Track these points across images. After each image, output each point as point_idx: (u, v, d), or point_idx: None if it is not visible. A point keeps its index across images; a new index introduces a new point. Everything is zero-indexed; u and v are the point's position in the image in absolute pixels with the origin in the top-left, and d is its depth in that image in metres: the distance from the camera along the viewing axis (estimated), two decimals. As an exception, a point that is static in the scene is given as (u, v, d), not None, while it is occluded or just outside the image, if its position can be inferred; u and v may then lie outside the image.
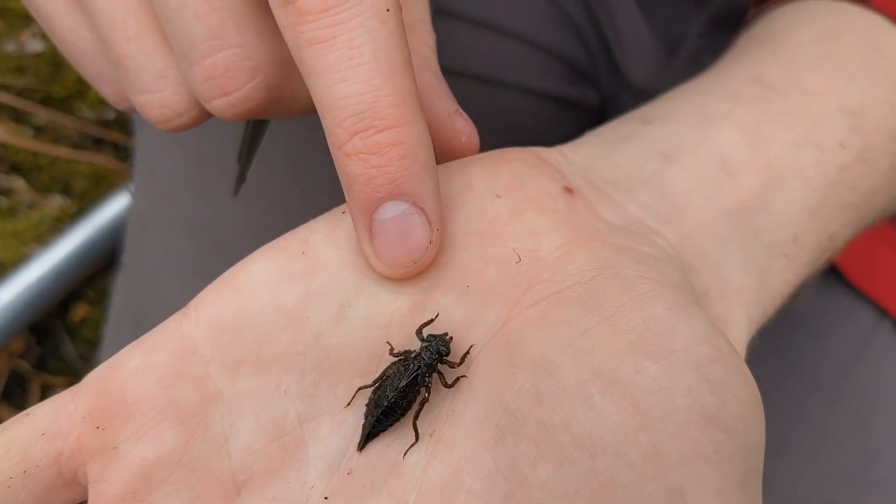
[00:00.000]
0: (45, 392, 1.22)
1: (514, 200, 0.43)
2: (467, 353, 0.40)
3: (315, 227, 0.42)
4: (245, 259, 0.42)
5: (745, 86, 0.52)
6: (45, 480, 0.38)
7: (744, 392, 0.37)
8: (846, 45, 0.56)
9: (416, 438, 0.39)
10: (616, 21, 0.80)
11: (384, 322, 0.41)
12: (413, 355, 0.40)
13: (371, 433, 0.40)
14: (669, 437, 0.35)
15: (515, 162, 0.45)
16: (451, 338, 0.41)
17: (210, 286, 0.41)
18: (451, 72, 0.71)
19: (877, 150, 0.52)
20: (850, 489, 0.70)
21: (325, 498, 0.39)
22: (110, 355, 0.73)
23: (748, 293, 0.46)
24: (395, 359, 0.41)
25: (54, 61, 1.34)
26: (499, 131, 0.72)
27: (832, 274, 0.75)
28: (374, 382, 0.40)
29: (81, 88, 1.35)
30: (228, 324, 0.40)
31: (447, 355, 0.40)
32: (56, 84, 1.34)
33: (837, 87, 0.53)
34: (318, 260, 0.41)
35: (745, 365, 0.38)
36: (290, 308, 0.40)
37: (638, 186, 0.46)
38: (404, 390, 0.40)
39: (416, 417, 0.40)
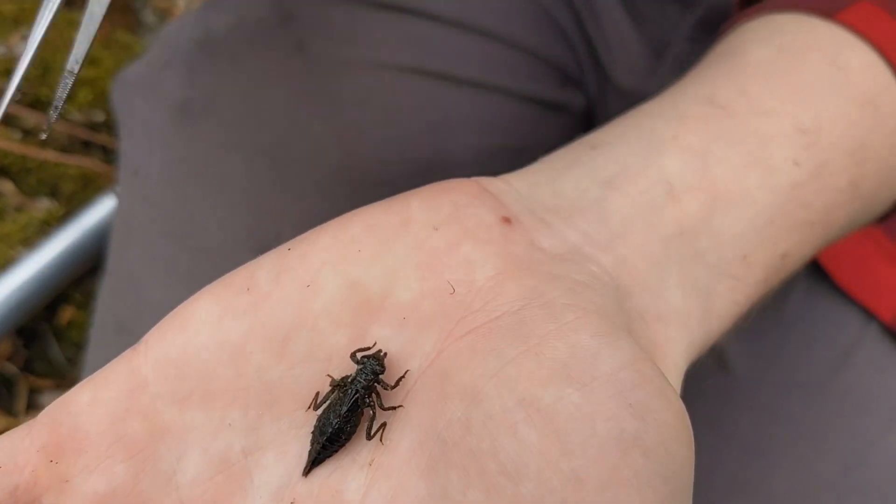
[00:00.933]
0: (33, 395, 1.22)
1: (452, 232, 0.44)
2: (402, 377, 0.41)
3: (261, 263, 0.43)
4: (193, 296, 0.43)
5: (695, 107, 0.52)
6: None
7: (666, 415, 0.37)
8: (804, 61, 0.55)
9: (383, 425, 0.41)
10: (602, 24, 0.80)
11: (324, 355, 0.42)
12: (350, 380, 0.41)
13: (317, 459, 0.41)
14: (589, 463, 0.36)
15: (455, 193, 0.46)
16: (385, 353, 0.42)
17: (159, 323, 0.42)
18: (436, 75, 0.73)
19: (833, 166, 0.52)
20: (835, 492, 0.69)
21: None
22: (95, 358, 0.74)
23: (689, 315, 0.46)
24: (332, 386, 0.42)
25: (43, 64, 1.35)
26: (484, 135, 0.74)
27: (820, 276, 0.75)
28: (317, 407, 0.41)
29: (70, 92, 1.33)
30: (175, 360, 0.41)
31: (382, 373, 0.41)
32: (45, 87, 1.35)
33: (792, 105, 0.53)
34: (260, 296, 0.42)
35: (670, 387, 0.39)
36: (233, 344, 0.41)
37: (577, 214, 0.47)
38: (347, 416, 0.41)
39: (369, 435, 0.41)
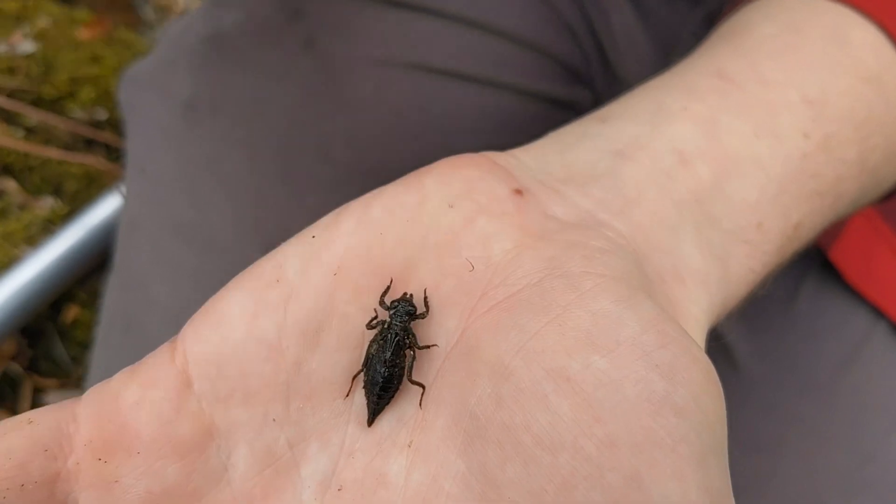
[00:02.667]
0: (37, 394, 1.22)
1: (467, 208, 0.44)
2: (426, 297, 0.43)
3: (287, 251, 0.43)
4: (222, 289, 0.43)
5: (704, 80, 0.53)
6: (37, 498, 0.38)
7: (694, 372, 0.38)
8: (810, 37, 0.56)
9: (423, 386, 0.42)
10: (610, 20, 0.80)
11: (356, 343, 0.43)
12: (386, 325, 0.42)
13: (376, 410, 0.42)
14: (622, 427, 0.36)
15: (467, 168, 0.46)
16: (412, 294, 0.43)
17: (192, 319, 0.42)
18: (444, 73, 0.73)
19: (840, 138, 0.53)
20: (844, 490, 0.70)
21: None
22: (102, 358, 0.74)
23: (708, 275, 0.47)
24: (372, 332, 0.43)
25: (45, 62, 1.35)
26: (492, 132, 0.74)
27: (829, 273, 0.75)
28: (363, 366, 0.42)
29: (73, 90, 1.36)
30: (213, 359, 0.41)
31: (415, 313, 0.43)
32: (47, 85, 1.35)
33: (798, 78, 0.53)
34: (291, 288, 0.42)
35: (695, 344, 0.39)
36: (269, 339, 0.41)
37: (590, 183, 0.47)
38: (392, 360, 0.42)
39: (409, 375, 0.42)
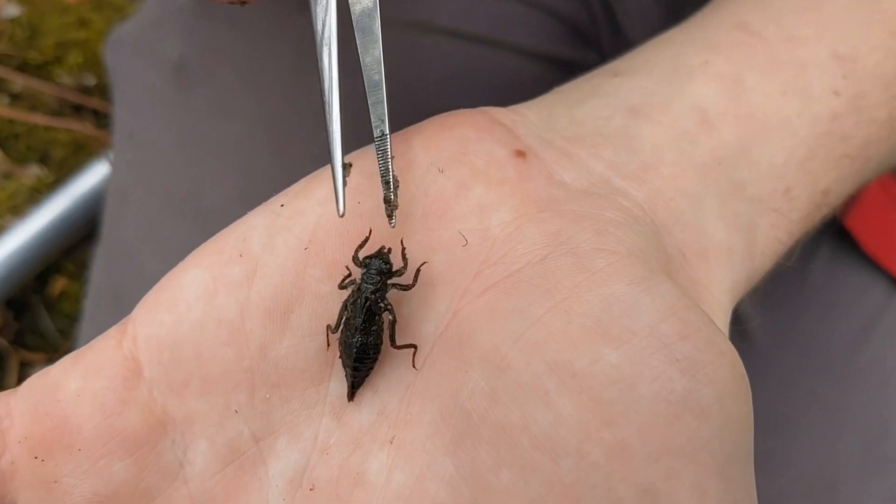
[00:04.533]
0: (24, 368, 1.21)
1: (460, 173, 0.40)
2: (418, 270, 0.38)
3: (252, 222, 0.39)
4: (179, 265, 0.39)
5: (725, 33, 0.49)
6: None
7: (719, 367, 0.34)
8: None
9: (414, 347, 0.38)
10: (618, -21, 0.77)
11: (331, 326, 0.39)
12: (356, 287, 0.38)
13: (355, 383, 0.38)
14: (635, 432, 0.32)
15: (461, 127, 0.42)
16: (389, 249, 0.39)
17: (144, 298, 0.39)
18: (448, 33, 0.70)
19: (871, 97, 0.49)
20: (860, 465, 0.68)
21: None
22: (90, 331, 0.71)
23: (732, 251, 0.43)
24: (346, 291, 0.39)
25: (31, 26, 1.33)
26: (493, 93, 0.70)
27: (843, 243, 0.73)
28: (336, 328, 0.38)
29: (60, 54, 1.34)
30: (166, 342, 0.37)
31: (390, 272, 0.38)
32: (33, 50, 1.33)
33: (827, 33, 0.49)
34: (255, 263, 0.38)
35: (721, 335, 0.35)
36: (230, 320, 0.38)
37: (603, 143, 0.43)
38: (365, 327, 0.38)
39: (393, 341, 0.38)
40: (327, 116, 0.39)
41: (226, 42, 0.70)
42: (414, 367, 0.38)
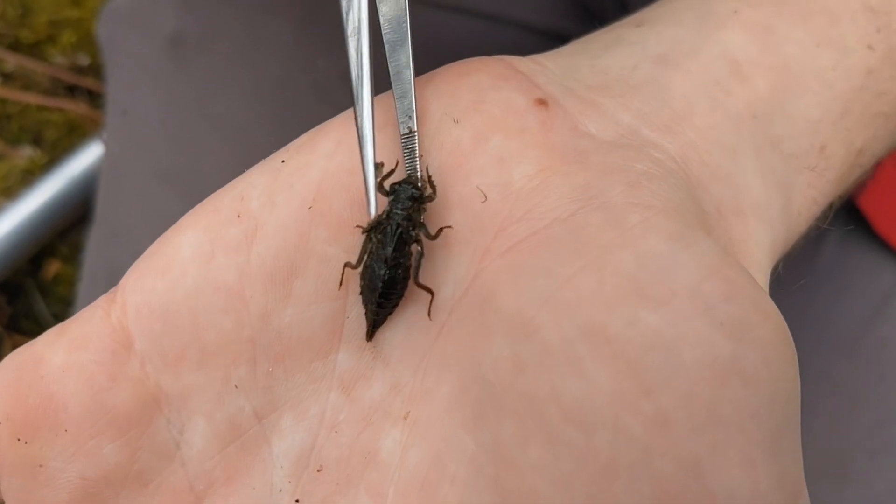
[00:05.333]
0: None
1: (476, 123, 0.37)
2: (429, 176, 0.36)
3: (251, 179, 0.37)
4: (172, 227, 0.37)
5: None
6: None
7: (766, 330, 0.32)
8: None
9: (431, 292, 0.35)
10: (624, -48, 0.75)
11: (339, 292, 0.36)
12: (385, 215, 0.36)
13: (376, 322, 0.36)
14: (677, 401, 0.30)
15: (477, 74, 0.39)
16: (418, 176, 0.36)
17: (135, 264, 0.36)
18: (452, 8, 0.68)
19: None
20: (870, 448, 0.67)
21: (296, 501, 0.35)
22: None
23: (770, 208, 0.40)
24: (366, 233, 0.36)
25: (23, 4, 1.32)
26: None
27: (854, 223, 0.71)
28: (358, 263, 0.35)
29: (53, 33, 1.33)
30: (159, 311, 0.35)
31: (422, 197, 0.36)
32: (25, 29, 1.32)
33: None
34: (255, 223, 0.35)
35: (765, 295, 0.33)
36: (229, 286, 0.35)
37: (630, 92, 0.40)
38: (395, 258, 0.35)
39: (416, 277, 0.35)
40: (357, 115, 0.36)
41: (223, 15, 0.69)
42: (429, 317, 0.35)
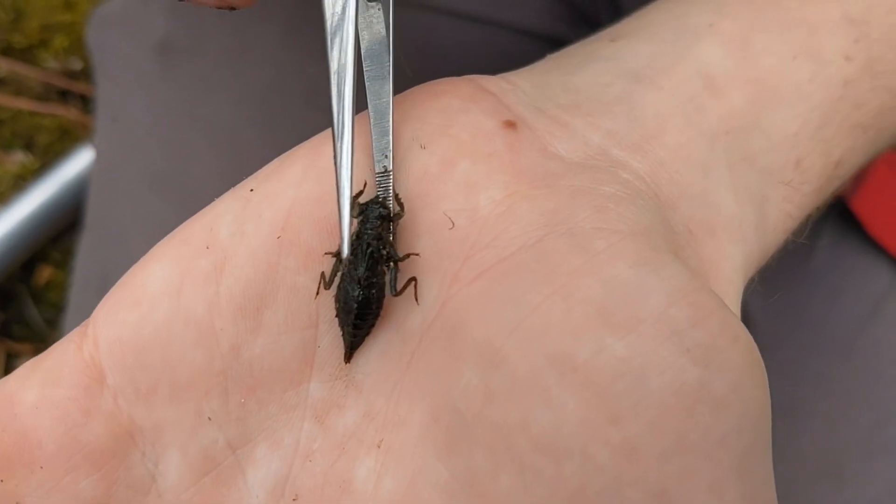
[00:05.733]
0: (11, 360, 1.20)
1: (444, 148, 0.37)
2: (396, 195, 0.36)
3: (220, 210, 0.37)
4: (143, 258, 0.37)
5: None
6: None
7: (734, 354, 0.32)
8: None
9: (414, 280, 0.36)
10: (617, -45, 0.75)
11: (309, 321, 0.36)
12: (355, 236, 0.35)
13: (354, 343, 0.35)
14: (645, 430, 0.30)
15: (445, 97, 0.39)
16: (384, 197, 0.36)
17: (106, 297, 0.36)
18: (444, 12, 0.68)
19: (885, 63, 0.47)
20: (866, 449, 0.67)
21: None
22: (76, 322, 0.69)
23: (743, 225, 0.40)
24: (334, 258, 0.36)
25: (15, 9, 1.31)
26: (492, 74, 0.69)
27: (848, 225, 0.71)
28: (329, 285, 0.35)
29: (45, 38, 1.32)
30: (130, 344, 0.35)
31: (390, 216, 0.36)
32: (17, 33, 1.32)
33: None
34: (224, 255, 0.35)
35: (734, 318, 0.33)
36: (198, 319, 0.35)
37: (601, 111, 0.40)
38: (367, 278, 0.35)
39: (395, 291, 0.35)
40: (337, 156, 0.36)
41: (212, 20, 0.68)
42: (416, 301, 0.35)
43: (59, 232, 1.21)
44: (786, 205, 0.43)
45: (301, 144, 0.38)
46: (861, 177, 0.70)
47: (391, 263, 0.36)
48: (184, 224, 0.37)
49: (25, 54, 1.32)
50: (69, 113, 1.30)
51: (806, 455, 0.66)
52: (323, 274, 0.36)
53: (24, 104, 1.28)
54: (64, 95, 1.33)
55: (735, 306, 0.39)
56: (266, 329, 0.35)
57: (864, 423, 0.67)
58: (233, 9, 0.37)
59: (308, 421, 0.36)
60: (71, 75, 1.33)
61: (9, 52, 1.31)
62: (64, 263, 1.23)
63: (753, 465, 0.31)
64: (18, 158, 1.27)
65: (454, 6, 0.69)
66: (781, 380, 0.67)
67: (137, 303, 0.35)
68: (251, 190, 0.37)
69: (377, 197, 0.36)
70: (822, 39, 0.45)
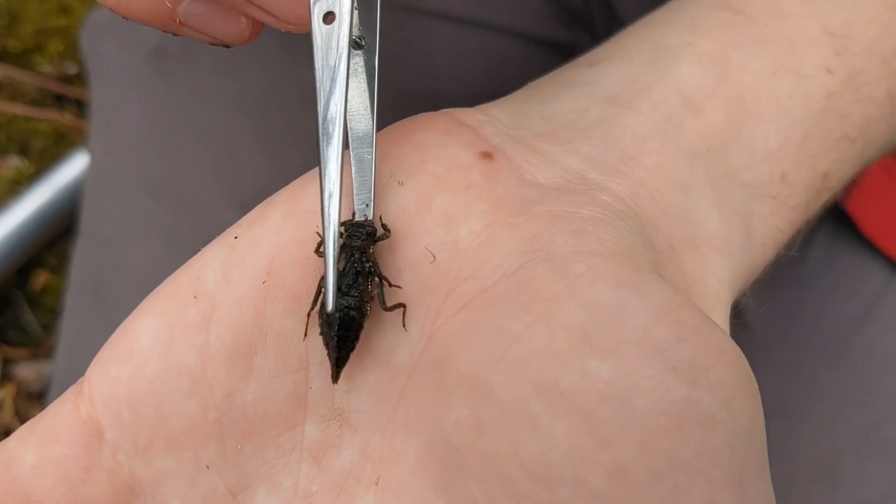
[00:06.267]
0: (7, 365, 1.19)
1: (421, 184, 0.37)
2: (381, 221, 0.36)
3: (206, 259, 0.37)
4: (133, 313, 0.37)
5: (710, 12, 0.46)
6: None
7: (722, 369, 0.32)
8: None
9: (403, 306, 0.36)
10: (610, -43, 0.75)
11: (299, 363, 0.36)
12: (339, 250, 0.35)
13: (340, 360, 0.35)
14: (636, 451, 0.30)
15: (420, 133, 0.39)
16: (368, 219, 0.36)
17: (99, 353, 0.37)
18: (437, 14, 0.68)
19: (868, 74, 0.47)
20: (859, 452, 0.67)
21: None
22: (72, 327, 0.70)
23: (728, 239, 0.40)
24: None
25: (10, 13, 1.31)
26: (482, 77, 0.69)
27: (842, 226, 0.71)
28: (314, 303, 0.36)
29: (40, 42, 1.32)
30: (125, 399, 0.35)
31: (374, 233, 0.36)
32: (12, 38, 1.31)
33: (816, 8, 0.47)
34: (212, 303, 0.36)
35: (720, 332, 0.33)
36: (190, 369, 0.35)
37: (578, 137, 0.40)
38: (350, 293, 0.35)
39: (384, 305, 0.36)
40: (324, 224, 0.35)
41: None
42: (404, 327, 0.36)
43: (54, 237, 1.21)
44: (774, 219, 0.43)
45: (281, 190, 0.38)
46: (856, 178, 0.70)
47: (378, 279, 0.36)
48: (171, 276, 0.37)
49: (20, 59, 1.32)
50: (64, 118, 1.29)
51: (800, 456, 0.66)
52: (309, 314, 0.36)
53: (19, 109, 1.28)
54: (59, 100, 1.33)
55: (723, 321, 0.39)
56: (257, 375, 0.36)
57: (859, 424, 0.67)
58: (227, 46, 0.38)
59: (305, 463, 0.36)
60: (66, 80, 1.32)
61: (3, 56, 1.31)
62: (60, 268, 1.23)
63: (749, 480, 0.31)
64: (13, 163, 1.26)
65: (447, 10, 0.68)
66: (776, 380, 0.67)
67: (129, 357, 0.36)
68: (235, 237, 0.37)
69: (365, 218, 0.36)
70: (801, 53, 0.45)
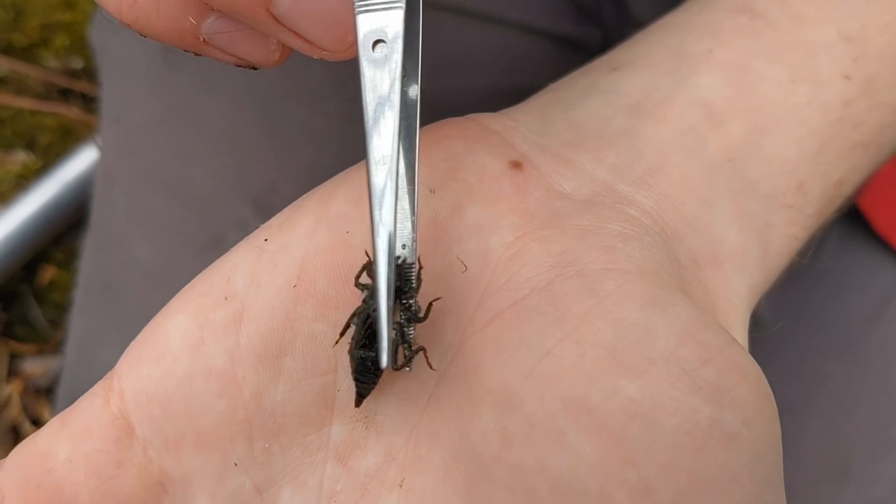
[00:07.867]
0: (14, 360, 1.20)
1: (453, 193, 0.38)
2: (430, 305, 0.35)
3: (236, 261, 0.37)
4: (162, 311, 0.37)
5: (729, 17, 0.46)
6: None
7: (744, 390, 0.32)
8: None
9: (423, 349, 0.36)
10: (620, -48, 0.75)
11: (327, 366, 0.37)
12: (360, 308, 0.35)
13: (361, 392, 0.36)
14: (660, 470, 0.31)
15: (451, 140, 0.40)
16: (402, 258, 0.35)
17: (128, 350, 0.37)
18: (446, 8, 0.68)
19: (883, 80, 0.47)
20: (870, 449, 0.67)
21: None
22: (80, 322, 0.70)
23: (747, 255, 0.41)
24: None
25: (15, 8, 1.31)
26: (493, 72, 0.69)
27: (853, 223, 0.71)
28: (343, 334, 0.36)
29: (45, 37, 1.32)
30: (155, 397, 0.36)
31: (398, 290, 0.35)
32: (18, 32, 1.31)
33: (834, 13, 0.47)
34: (242, 305, 0.36)
35: (742, 352, 0.34)
36: (220, 370, 0.36)
37: (604, 145, 0.41)
38: (366, 343, 0.35)
39: (397, 363, 0.35)
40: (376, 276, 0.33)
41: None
42: (430, 367, 0.36)
43: (61, 232, 1.21)
44: (790, 228, 0.43)
45: (310, 193, 0.38)
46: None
47: (395, 335, 0.35)
48: (201, 275, 0.38)
49: (26, 53, 1.32)
50: (70, 112, 1.29)
51: (809, 454, 0.66)
52: (335, 344, 0.36)
53: (25, 103, 1.28)
54: (65, 94, 1.33)
55: (742, 336, 0.39)
56: (286, 376, 0.36)
57: (869, 422, 0.67)
58: (255, 68, 0.37)
59: (331, 463, 0.37)
60: (72, 74, 1.32)
61: (9, 51, 1.31)
62: (67, 263, 1.23)
63: (768, 499, 0.32)
64: (20, 158, 1.26)
65: (459, 4, 0.68)
66: (787, 377, 0.67)
67: (161, 357, 0.36)
68: (265, 240, 0.37)
69: (397, 258, 0.35)
70: (820, 61, 0.45)
